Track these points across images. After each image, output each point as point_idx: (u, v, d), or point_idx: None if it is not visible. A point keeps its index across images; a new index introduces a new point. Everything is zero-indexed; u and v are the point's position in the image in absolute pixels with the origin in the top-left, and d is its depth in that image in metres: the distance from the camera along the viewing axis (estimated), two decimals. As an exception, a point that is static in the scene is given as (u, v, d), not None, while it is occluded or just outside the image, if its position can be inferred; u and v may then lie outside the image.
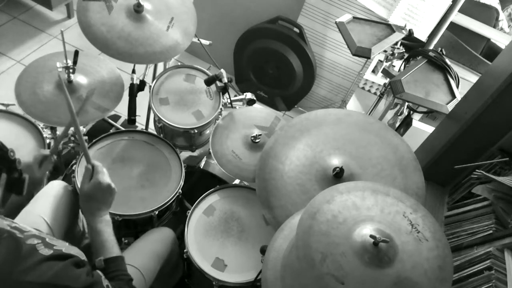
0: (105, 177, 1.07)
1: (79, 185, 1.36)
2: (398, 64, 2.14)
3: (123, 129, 1.80)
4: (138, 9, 1.50)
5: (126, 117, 1.59)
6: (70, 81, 1.47)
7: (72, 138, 1.82)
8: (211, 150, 1.51)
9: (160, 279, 1.33)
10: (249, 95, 1.72)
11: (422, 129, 2.03)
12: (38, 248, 0.78)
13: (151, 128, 2.04)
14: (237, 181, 1.66)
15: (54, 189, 1.30)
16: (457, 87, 1.77)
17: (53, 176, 1.97)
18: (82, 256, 0.89)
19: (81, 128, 1.78)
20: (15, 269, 0.73)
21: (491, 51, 2.61)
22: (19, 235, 0.79)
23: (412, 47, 2.08)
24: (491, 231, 1.24)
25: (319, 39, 2.37)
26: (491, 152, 1.46)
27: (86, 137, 1.75)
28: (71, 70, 1.45)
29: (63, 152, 1.89)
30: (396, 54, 2.04)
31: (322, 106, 2.70)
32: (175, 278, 1.54)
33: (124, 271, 1.00)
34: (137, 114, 1.58)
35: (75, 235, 1.43)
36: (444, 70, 1.81)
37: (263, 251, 1.14)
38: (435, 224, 0.90)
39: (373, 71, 2.49)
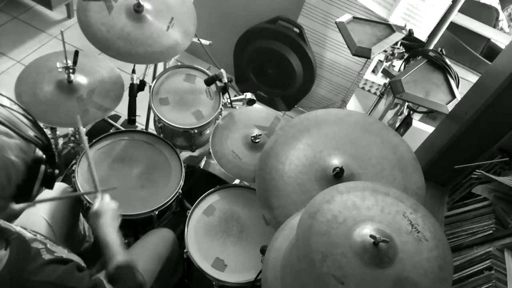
0: (112, 202, 1.17)
1: (79, 185, 1.37)
2: (398, 64, 2.14)
3: (123, 129, 1.81)
4: (138, 9, 1.50)
5: (126, 117, 1.59)
6: (70, 81, 1.47)
7: (72, 138, 1.82)
8: (211, 150, 1.51)
9: (160, 280, 1.33)
10: (249, 95, 1.72)
11: (422, 129, 2.03)
12: (41, 253, 0.80)
13: (151, 128, 2.04)
14: (237, 181, 1.66)
15: (54, 191, 1.30)
16: (457, 87, 1.77)
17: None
18: (82, 263, 0.92)
19: (82, 128, 1.79)
20: (25, 269, 0.75)
21: (491, 51, 2.61)
22: (26, 238, 0.81)
23: (412, 47, 2.08)
24: (491, 231, 1.24)
25: (319, 39, 2.37)
26: (491, 152, 1.46)
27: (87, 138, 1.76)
28: (71, 70, 1.45)
29: (63, 152, 1.89)
30: (396, 54, 2.04)
31: (322, 106, 2.70)
32: (175, 278, 1.54)
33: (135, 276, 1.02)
34: (137, 114, 1.58)
35: (76, 238, 1.43)
36: (444, 70, 1.80)
37: (263, 251, 1.14)
38: (435, 224, 0.90)
39: (373, 71, 2.49)
